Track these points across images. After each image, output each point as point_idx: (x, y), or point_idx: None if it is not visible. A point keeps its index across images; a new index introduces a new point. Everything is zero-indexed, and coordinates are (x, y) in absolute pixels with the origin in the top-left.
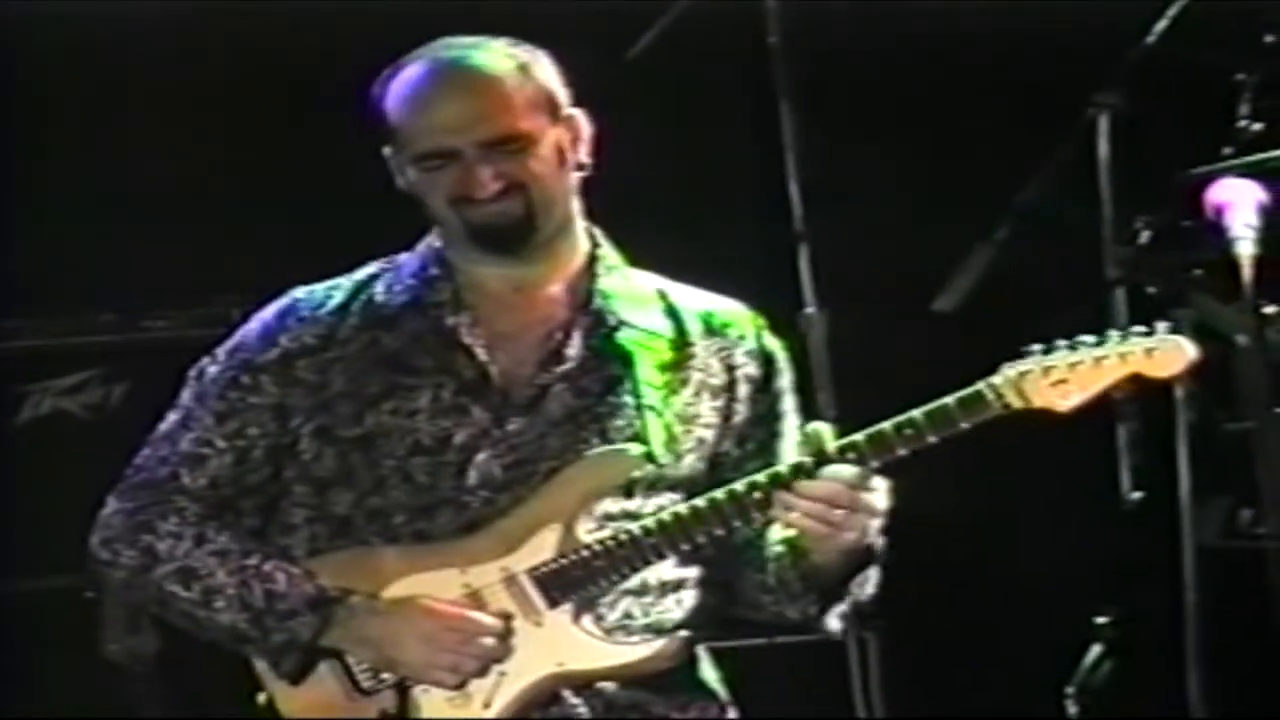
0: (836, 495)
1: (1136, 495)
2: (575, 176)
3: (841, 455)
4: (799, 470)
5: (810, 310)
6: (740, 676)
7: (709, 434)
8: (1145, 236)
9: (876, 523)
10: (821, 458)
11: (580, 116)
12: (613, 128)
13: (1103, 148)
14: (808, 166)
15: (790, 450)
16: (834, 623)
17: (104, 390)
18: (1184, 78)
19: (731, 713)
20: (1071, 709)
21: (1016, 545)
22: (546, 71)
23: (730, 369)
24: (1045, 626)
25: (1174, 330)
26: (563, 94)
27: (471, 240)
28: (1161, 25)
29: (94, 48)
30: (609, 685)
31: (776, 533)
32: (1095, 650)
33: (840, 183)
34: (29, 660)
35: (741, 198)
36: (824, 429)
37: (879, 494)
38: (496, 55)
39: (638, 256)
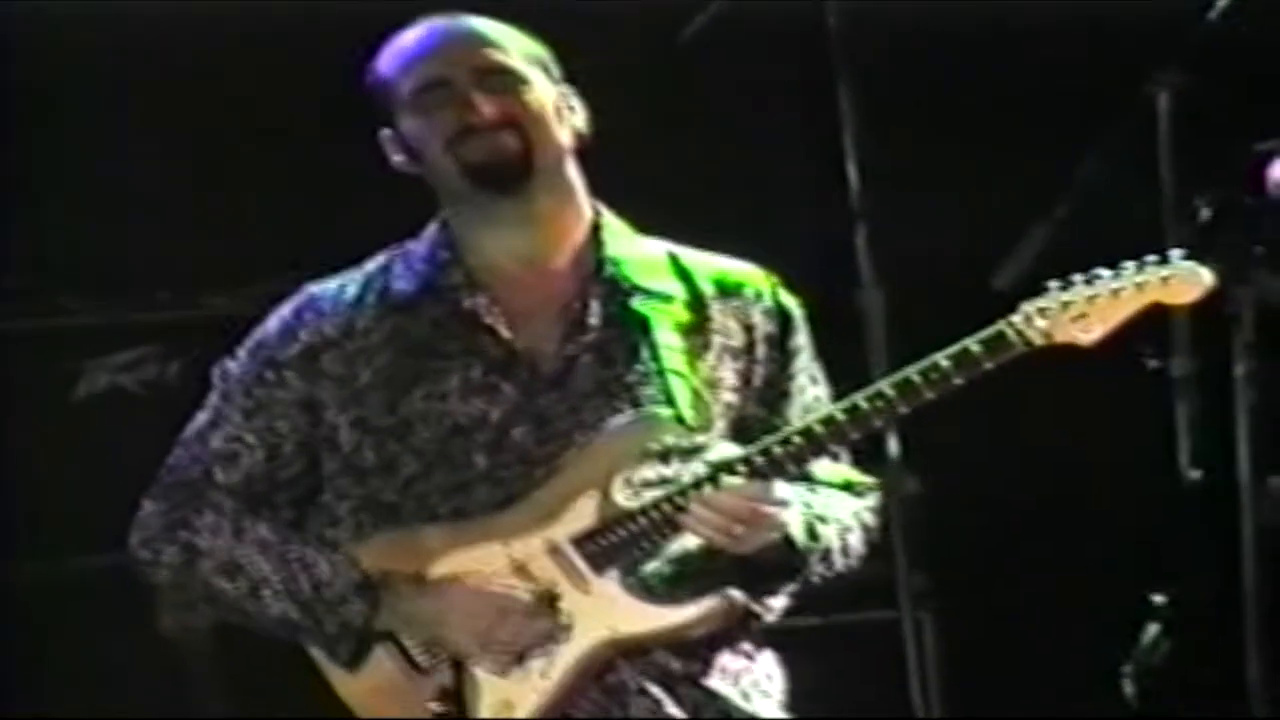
0: (736, 508)
1: (1196, 474)
2: (571, 136)
3: (872, 406)
4: (699, 484)
5: (867, 287)
6: (795, 656)
7: (734, 398)
8: (1206, 214)
9: (775, 535)
10: (721, 468)
11: (571, 92)
12: (667, 110)
13: (1163, 125)
14: (865, 145)
15: (796, 414)
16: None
17: (160, 367)
18: (1245, 54)
19: (778, 676)
20: (1129, 689)
21: (1073, 524)
22: (538, 44)
23: (748, 329)
24: (1102, 606)
25: (1189, 258)
26: (554, 68)
27: (469, 180)
28: (1222, 2)
29: (156, 23)
30: (662, 654)
31: None
32: (1153, 630)
33: (898, 160)
34: (83, 636)
35: (797, 177)
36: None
37: (780, 508)
38: (489, 20)
39: (694, 236)
